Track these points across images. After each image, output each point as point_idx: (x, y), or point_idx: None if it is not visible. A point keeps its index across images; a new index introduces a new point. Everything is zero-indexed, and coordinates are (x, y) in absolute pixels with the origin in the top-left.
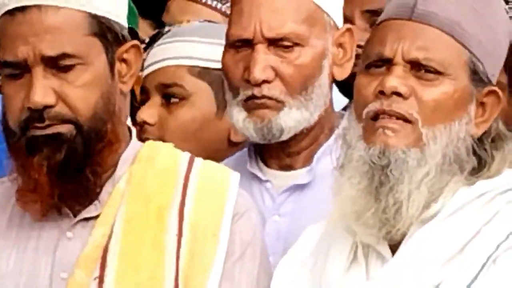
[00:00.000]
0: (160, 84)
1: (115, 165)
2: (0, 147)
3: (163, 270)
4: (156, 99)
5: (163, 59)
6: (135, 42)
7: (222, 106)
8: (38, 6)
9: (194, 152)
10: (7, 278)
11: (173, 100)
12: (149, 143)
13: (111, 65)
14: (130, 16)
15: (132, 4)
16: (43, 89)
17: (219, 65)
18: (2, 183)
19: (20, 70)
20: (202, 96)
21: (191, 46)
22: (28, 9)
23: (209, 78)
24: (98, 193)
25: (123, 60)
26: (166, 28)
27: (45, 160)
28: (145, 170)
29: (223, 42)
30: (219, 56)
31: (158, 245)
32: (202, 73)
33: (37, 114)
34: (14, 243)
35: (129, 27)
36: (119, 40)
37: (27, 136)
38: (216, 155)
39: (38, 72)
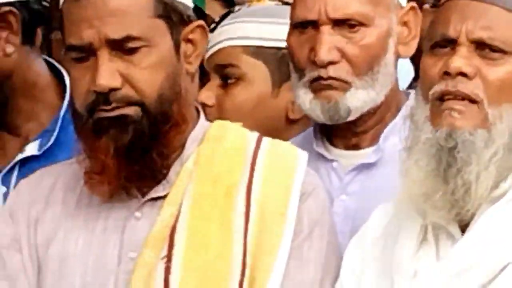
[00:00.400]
0: (217, 66)
1: (183, 145)
2: (68, 129)
3: (230, 249)
4: (214, 81)
5: (221, 41)
6: (201, 22)
7: (278, 84)
8: None
9: (252, 131)
10: (76, 259)
11: (230, 80)
12: (217, 122)
13: (177, 46)
14: None
15: None
16: (108, 72)
17: (275, 44)
18: (70, 164)
19: (86, 53)
20: (258, 76)
21: (247, 26)
22: None
23: (265, 57)
24: (166, 173)
25: (189, 41)
26: (236, 8)
27: (112, 142)
28: (213, 150)
29: (282, 21)
30: (275, 35)
31: (226, 225)
32: (257, 52)
33: (103, 97)
34: (82, 224)
35: (195, 7)
36: (184, 21)
37: (94, 119)
38: (274, 134)
39: (104, 55)
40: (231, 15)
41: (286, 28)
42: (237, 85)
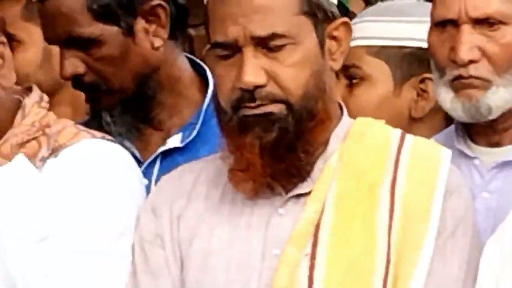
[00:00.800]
0: (343, 65)
1: (326, 142)
2: (210, 123)
3: (375, 246)
4: (341, 81)
5: None
6: (345, 19)
7: (399, 83)
8: None
9: None
10: (220, 254)
11: (354, 80)
12: (360, 119)
13: (321, 43)
14: None
15: None
16: (254, 69)
17: (397, 43)
18: (212, 160)
19: (231, 50)
20: (380, 75)
21: (370, 25)
22: None
23: (387, 56)
24: (310, 170)
25: (333, 38)
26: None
27: (257, 139)
28: (356, 147)
29: (405, 18)
30: (397, 34)
31: (370, 222)
32: (379, 52)
33: (248, 94)
34: (226, 219)
35: (339, 3)
36: (328, 18)
37: (239, 116)
38: None
39: (249, 52)
40: (359, 14)
41: (410, 26)
42: (361, 85)
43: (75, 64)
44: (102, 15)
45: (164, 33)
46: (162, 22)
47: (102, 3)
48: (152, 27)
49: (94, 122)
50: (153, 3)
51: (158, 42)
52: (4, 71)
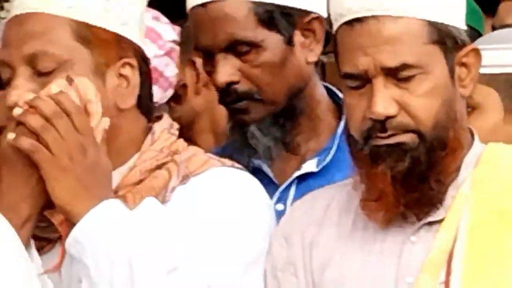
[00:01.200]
0: None
1: (457, 169)
2: (345, 148)
3: (509, 275)
4: None
5: None
6: (474, 46)
7: (510, 110)
8: (375, 17)
9: None
10: (353, 281)
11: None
12: (491, 145)
13: (451, 71)
14: (473, 15)
15: (474, 3)
16: (384, 100)
17: (506, 70)
18: (344, 186)
19: (361, 81)
20: (491, 103)
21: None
22: (366, 19)
23: (496, 83)
24: (442, 198)
25: (463, 64)
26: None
27: (389, 169)
28: (488, 173)
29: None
30: (506, 61)
31: (503, 250)
32: (489, 79)
33: (379, 125)
34: (358, 246)
35: (470, 27)
36: (457, 45)
37: (370, 146)
38: None
39: (379, 83)
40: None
41: None
42: (472, 114)
43: (230, 72)
44: (266, 20)
45: (319, 48)
46: (318, 37)
47: (267, 9)
48: (307, 41)
49: (236, 136)
50: (312, 16)
51: (312, 57)
52: (125, 92)
